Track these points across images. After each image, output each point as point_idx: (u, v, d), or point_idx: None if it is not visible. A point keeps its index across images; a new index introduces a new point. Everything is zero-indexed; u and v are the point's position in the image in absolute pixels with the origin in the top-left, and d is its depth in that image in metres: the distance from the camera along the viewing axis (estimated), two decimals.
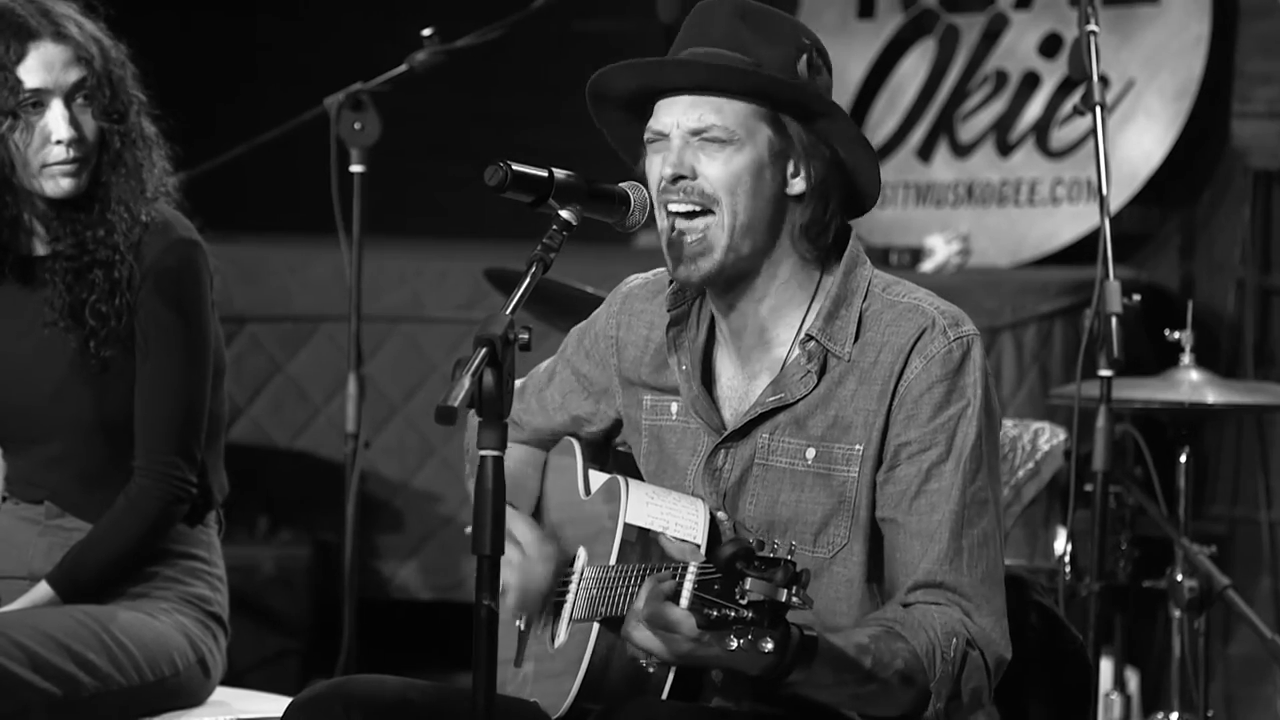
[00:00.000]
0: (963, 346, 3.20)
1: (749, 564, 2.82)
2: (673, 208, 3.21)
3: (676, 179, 3.20)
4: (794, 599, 2.81)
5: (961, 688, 3.12)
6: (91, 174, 3.96)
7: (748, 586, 2.80)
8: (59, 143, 3.92)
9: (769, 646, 2.80)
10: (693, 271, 3.21)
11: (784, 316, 3.27)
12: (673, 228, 3.21)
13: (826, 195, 3.23)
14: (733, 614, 2.81)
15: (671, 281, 3.35)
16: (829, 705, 3.09)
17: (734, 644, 2.81)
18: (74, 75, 3.94)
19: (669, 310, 3.35)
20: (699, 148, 3.20)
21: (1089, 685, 3.52)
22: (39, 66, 3.91)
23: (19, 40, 3.90)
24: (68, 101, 3.93)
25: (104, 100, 3.96)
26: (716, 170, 3.19)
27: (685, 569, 2.93)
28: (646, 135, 3.25)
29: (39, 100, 3.92)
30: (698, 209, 3.20)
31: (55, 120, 3.92)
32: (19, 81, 3.90)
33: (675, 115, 3.21)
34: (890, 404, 3.19)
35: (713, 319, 3.34)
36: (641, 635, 2.99)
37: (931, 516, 3.16)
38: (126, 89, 4.01)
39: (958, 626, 3.12)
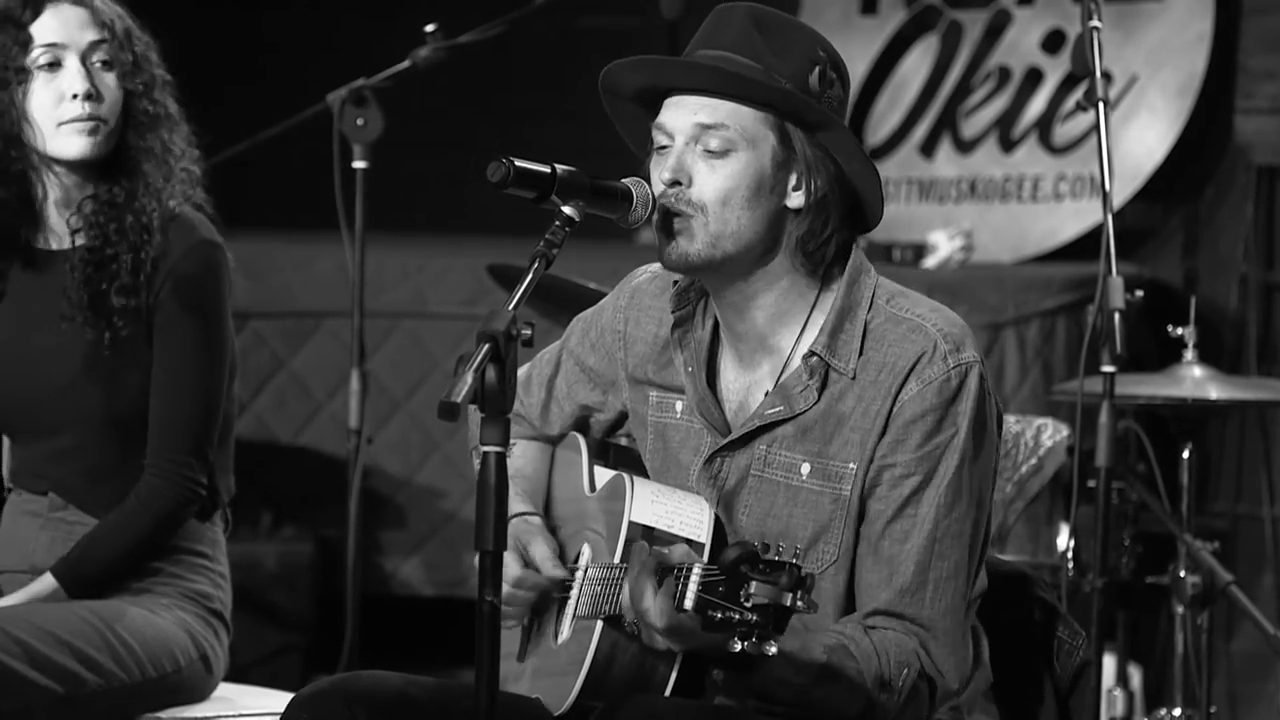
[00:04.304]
0: (960, 374, 3.18)
1: (754, 567, 2.81)
2: (665, 207, 3.20)
3: (674, 183, 3.19)
4: (799, 603, 2.80)
5: (902, 712, 3.14)
6: (118, 138, 3.93)
7: (752, 590, 2.80)
8: (74, 97, 3.87)
9: (773, 650, 2.80)
10: (672, 249, 3.20)
11: (785, 324, 3.26)
12: (663, 219, 3.21)
13: (826, 211, 3.21)
14: (737, 617, 2.81)
15: (676, 282, 3.35)
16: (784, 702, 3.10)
17: (738, 646, 2.81)
18: (91, 35, 3.89)
19: (673, 311, 3.34)
20: (699, 154, 3.19)
21: (1091, 681, 3.51)
22: (55, 24, 3.87)
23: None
24: (84, 59, 3.89)
25: (126, 64, 3.91)
26: (712, 181, 3.18)
27: (689, 570, 2.93)
28: (653, 131, 3.24)
29: (55, 59, 3.87)
30: (688, 213, 3.20)
31: (70, 75, 3.87)
32: (31, 38, 3.85)
33: (681, 116, 3.20)
34: (885, 424, 3.18)
35: (717, 319, 3.33)
36: (646, 635, 3.02)
37: (903, 546, 3.16)
38: (150, 64, 3.98)
39: (911, 658, 3.13)
